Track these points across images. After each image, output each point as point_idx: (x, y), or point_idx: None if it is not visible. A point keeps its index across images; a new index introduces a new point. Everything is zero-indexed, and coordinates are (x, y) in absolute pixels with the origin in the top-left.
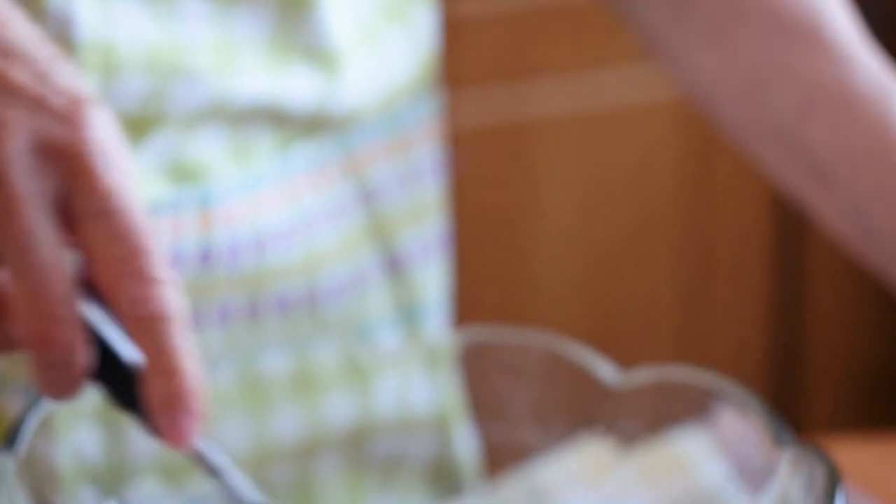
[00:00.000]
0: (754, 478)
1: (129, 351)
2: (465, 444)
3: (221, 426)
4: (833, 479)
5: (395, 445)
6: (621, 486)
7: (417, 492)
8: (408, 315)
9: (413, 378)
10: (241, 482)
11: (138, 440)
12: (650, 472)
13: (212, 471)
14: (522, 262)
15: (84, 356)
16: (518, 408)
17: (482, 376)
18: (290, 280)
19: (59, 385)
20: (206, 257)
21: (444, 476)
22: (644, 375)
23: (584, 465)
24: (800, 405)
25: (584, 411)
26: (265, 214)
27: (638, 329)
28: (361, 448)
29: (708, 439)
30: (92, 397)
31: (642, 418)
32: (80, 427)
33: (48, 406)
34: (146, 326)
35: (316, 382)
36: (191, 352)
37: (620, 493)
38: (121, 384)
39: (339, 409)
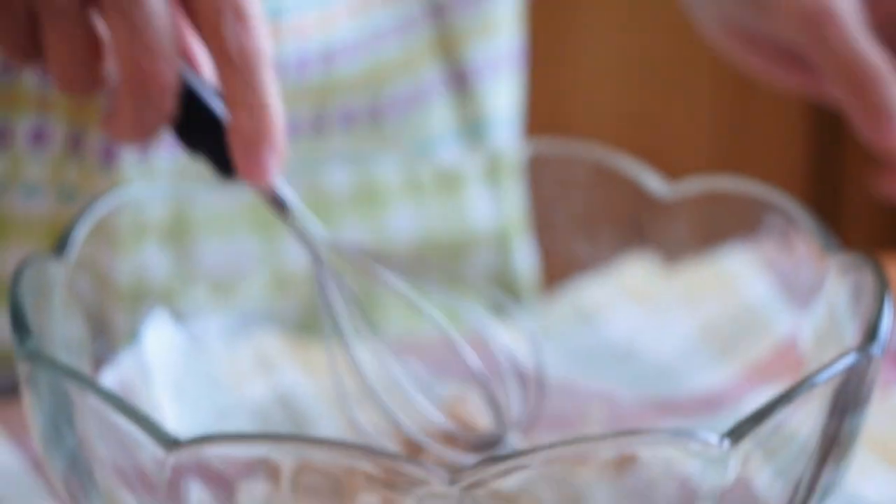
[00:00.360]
0: (799, 294)
1: (213, 100)
2: (525, 257)
3: (286, 240)
4: (881, 286)
5: (457, 259)
6: (667, 303)
7: (477, 305)
8: (472, 131)
9: (475, 191)
10: (312, 222)
11: (202, 256)
12: (696, 289)
13: (285, 211)
14: (566, 79)
15: (173, 97)
16: (566, 219)
17: (533, 188)
18: (356, 94)
19: (142, 127)
20: (274, 70)
21: (503, 290)
22: (692, 186)
23: (630, 283)
24: (838, 229)
25: (631, 223)
26: (335, 27)
27: (678, 148)
28: (424, 262)
29: (753, 256)
30: (158, 213)
31: (689, 231)
32: (143, 242)
33: (101, 212)
34: (240, 62)
35: (378, 197)
36: (278, 92)
37: (666, 310)
38: (199, 132)
39: (401, 222)
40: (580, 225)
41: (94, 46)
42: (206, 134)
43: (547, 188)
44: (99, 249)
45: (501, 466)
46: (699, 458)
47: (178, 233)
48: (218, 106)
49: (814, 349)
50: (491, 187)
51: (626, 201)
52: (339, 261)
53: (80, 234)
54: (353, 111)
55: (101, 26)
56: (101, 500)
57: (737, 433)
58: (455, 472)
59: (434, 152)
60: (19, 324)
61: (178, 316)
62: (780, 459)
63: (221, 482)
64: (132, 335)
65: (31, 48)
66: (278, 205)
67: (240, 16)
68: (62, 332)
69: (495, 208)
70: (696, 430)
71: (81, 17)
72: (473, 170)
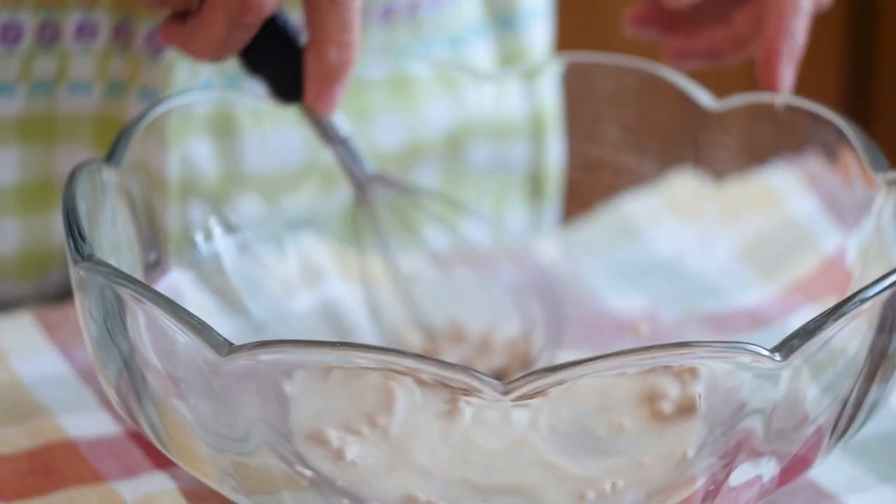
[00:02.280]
0: (846, 211)
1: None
2: (556, 154)
3: None
4: None
5: (491, 151)
6: (712, 219)
7: (512, 200)
8: (504, 24)
9: (509, 86)
10: (362, 153)
11: (249, 155)
12: (742, 205)
13: (338, 140)
14: None
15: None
16: (614, 130)
17: (580, 98)
18: None
19: (226, 46)
20: None
21: (535, 186)
22: (741, 100)
23: (676, 199)
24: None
25: (679, 138)
26: None
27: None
28: (459, 154)
29: (800, 172)
30: (206, 107)
31: (737, 146)
32: (193, 139)
33: (156, 115)
34: (337, 1)
35: (413, 89)
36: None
37: (711, 227)
38: (267, 55)
39: (436, 114)
40: (628, 138)
41: None
42: (273, 58)
43: (595, 100)
44: (150, 149)
45: (552, 378)
46: (749, 371)
47: (225, 127)
48: (292, 35)
49: (859, 267)
50: (525, 83)
51: (675, 115)
52: (383, 193)
53: (132, 140)
54: (394, 5)
55: None
56: (153, 407)
57: (787, 348)
58: (508, 383)
59: (466, 47)
60: (72, 229)
61: (226, 223)
62: (827, 376)
63: (273, 389)
64: (183, 238)
65: None
66: (331, 134)
67: None
68: (115, 237)
69: (529, 100)
70: (747, 344)
71: None
72: (513, 74)
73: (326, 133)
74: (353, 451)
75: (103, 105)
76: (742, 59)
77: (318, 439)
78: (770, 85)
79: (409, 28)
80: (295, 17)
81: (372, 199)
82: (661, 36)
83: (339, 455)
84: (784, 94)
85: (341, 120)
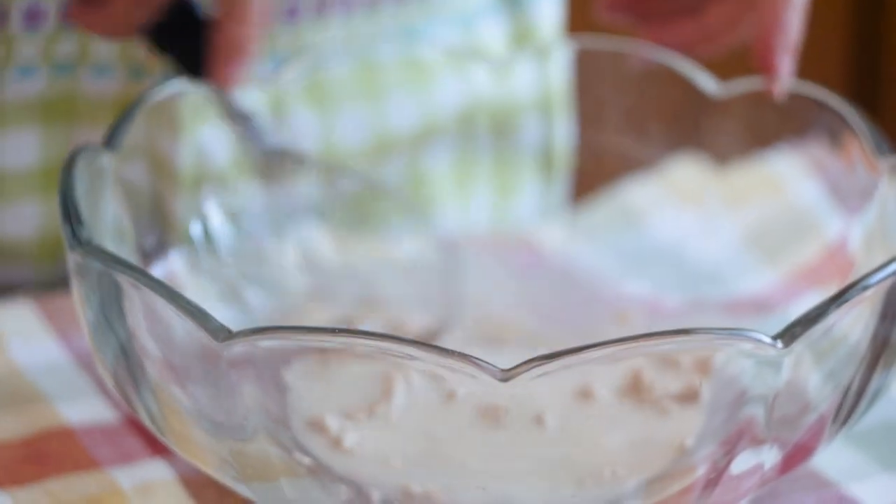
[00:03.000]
0: (849, 197)
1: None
2: (565, 134)
3: (340, 117)
4: None
5: (503, 131)
6: (715, 204)
7: (524, 180)
8: (515, 1)
9: (520, 67)
10: (267, 126)
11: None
12: (744, 191)
13: (242, 116)
14: None
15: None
16: (616, 115)
17: (583, 82)
18: None
19: (127, 24)
20: None
21: (546, 165)
22: (744, 84)
23: (679, 184)
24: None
25: (682, 122)
26: None
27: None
28: (471, 134)
29: (803, 158)
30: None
31: (740, 131)
32: (209, 124)
33: (154, 101)
34: None
35: (425, 70)
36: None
37: (714, 212)
38: (173, 34)
39: (448, 94)
40: (630, 122)
41: None
42: (180, 37)
43: (598, 84)
44: (160, 134)
45: (552, 365)
46: (751, 359)
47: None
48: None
49: (863, 253)
50: (535, 62)
51: (678, 99)
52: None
53: (133, 123)
54: None
55: None
56: (150, 394)
57: (789, 334)
58: (507, 370)
59: (477, 26)
60: (69, 214)
61: (229, 210)
62: (830, 363)
63: (272, 375)
64: (186, 222)
65: None
66: (233, 111)
67: None
68: (113, 222)
69: (539, 79)
70: (748, 330)
71: None
72: (523, 57)
73: (229, 111)
74: (351, 439)
75: (125, 88)
76: (714, 53)
77: (317, 426)
78: (771, 78)
79: (420, 8)
80: None
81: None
82: (633, 23)
83: (337, 443)
84: (783, 84)
85: (244, 97)
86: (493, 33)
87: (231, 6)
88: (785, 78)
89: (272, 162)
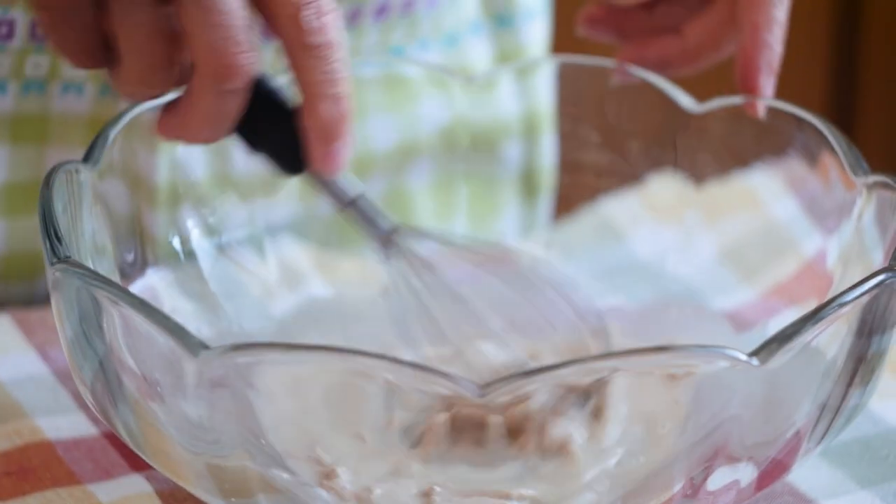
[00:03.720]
0: (827, 214)
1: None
2: (549, 153)
3: None
4: None
5: (485, 150)
6: (693, 221)
7: (506, 200)
8: (501, 21)
9: (503, 85)
10: (378, 210)
11: (238, 156)
12: (722, 208)
13: (351, 200)
14: None
15: (248, 90)
16: (595, 132)
17: (561, 99)
18: None
19: (216, 124)
20: None
21: (529, 185)
22: (722, 102)
23: (657, 201)
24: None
25: (661, 140)
26: None
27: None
28: (452, 154)
29: (781, 175)
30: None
31: (718, 149)
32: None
33: (135, 115)
34: (322, 53)
35: (407, 88)
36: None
37: (692, 229)
38: (263, 128)
39: (430, 113)
40: (609, 140)
41: (171, 36)
42: (270, 130)
43: (577, 102)
44: (138, 150)
45: (530, 381)
46: (727, 376)
47: None
48: (285, 101)
49: (840, 270)
50: (519, 82)
51: (655, 117)
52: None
53: (112, 139)
54: (388, 3)
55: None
56: (128, 409)
57: (765, 351)
58: (485, 386)
59: (463, 46)
60: (49, 230)
61: (208, 226)
62: (806, 380)
63: (249, 391)
64: (165, 238)
65: (100, 51)
66: (343, 196)
67: (317, 7)
68: (92, 238)
69: (523, 99)
70: (724, 348)
71: (157, 8)
72: (506, 74)
73: (337, 196)
74: (333, 457)
75: (96, 106)
76: (694, 72)
77: (297, 445)
78: (751, 102)
79: (404, 27)
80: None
81: (398, 255)
82: (613, 40)
83: (318, 461)
84: (764, 103)
85: (351, 178)
86: (479, 55)
87: (317, 87)
88: (766, 97)
89: (386, 241)
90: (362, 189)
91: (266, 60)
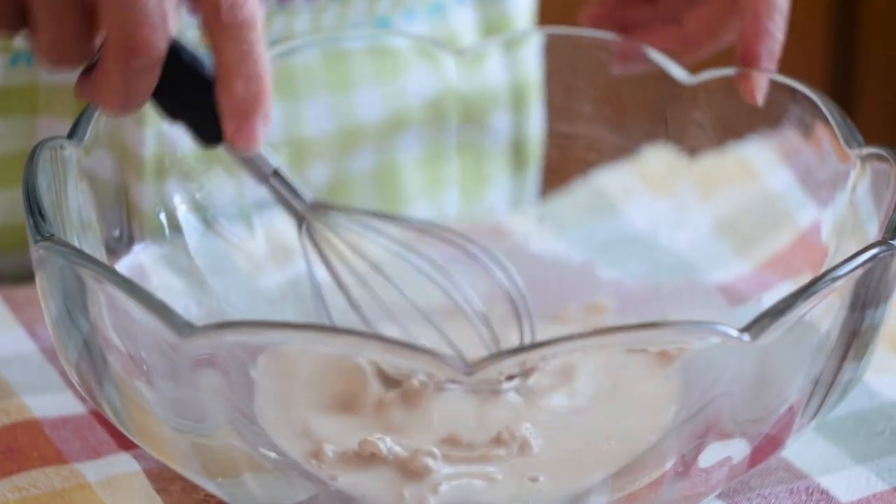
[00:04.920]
0: (821, 186)
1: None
2: (538, 124)
3: (308, 107)
4: None
5: (474, 121)
6: (687, 193)
7: (495, 171)
8: None
9: (491, 57)
10: (295, 187)
11: None
12: (716, 180)
13: (269, 174)
14: None
15: (161, 66)
16: (587, 104)
17: (553, 71)
18: None
19: (128, 96)
20: None
21: (518, 156)
22: (716, 74)
23: (651, 173)
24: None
25: (655, 112)
26: None
27: None
28: (441, 125)
29: (775, 147)
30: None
31: (712, 121)
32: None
33: None
34: (235, 32)
35: (394, 60)
36: (268, 59)
37: (686, 201)
38: (181, 99)
39: (418, 84)
40: (601, 112)
41: (83, 11)
42: (189, 101)
43: (569, 74)
44: (123, 123)
45: (517, 359)
46: (719, 351)
47: None
48: (205, 73)
49: (835, 242)
50: (507, 54)
51: (650, 89)
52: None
53: (97, 115)
54: None
55: None
56: (114, 387)
57: (757, 326)
58: (472, 364)
59: (449, 15)
60: (32, 207)
61: (196, 202)
62: (799, 354)
63: (237, 371)
64: (152, 213)
65: (18, 18)
66: (259, 170)
67: None
68: (78, 215)
69: (511, 70)
70: (716, 324)
71: None
72: (493, 46)
73: (254, 170)
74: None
75: None
76: (695, 61)
77: (284, 422)
78: (749, 88)
79: None
80: None
81: (315, 229)
82: (616, 34)
83: (305, 439)
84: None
85: (268, 153)
86: (465, 24)
87: (231, 65)
88: (764, 84)
89: (301, 218)
90: (278, 164)
91: (191, 38)
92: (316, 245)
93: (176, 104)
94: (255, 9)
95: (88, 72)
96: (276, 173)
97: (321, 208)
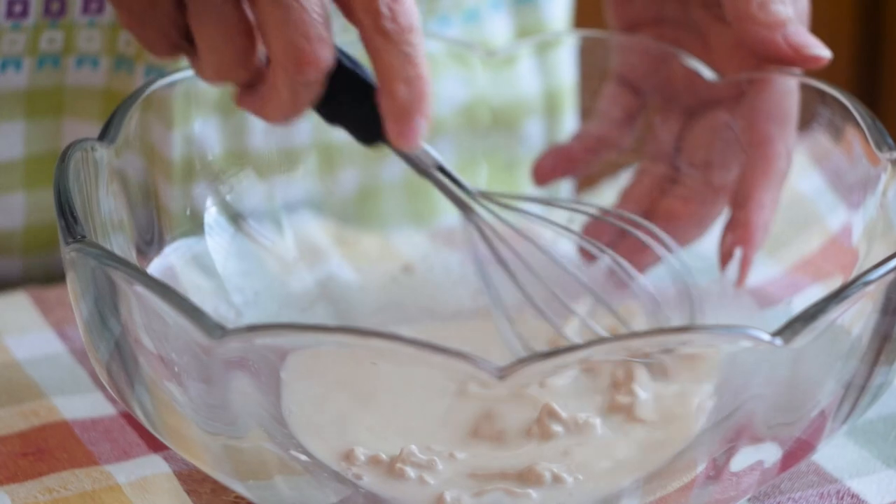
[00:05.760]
0: (851, 189)
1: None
2: (570, 130)
3: None
4: None
5: (506, 128)
6: None
7: (526, 179)
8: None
9: (524, 63)
10: (456, 177)
11: (255, 132)
12: None
13: (432, 167)
14: None
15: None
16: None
17: (583, 75)
18: None
19: (295, 107)
20: None
21: None
22: (743, 76)
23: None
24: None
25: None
26: None
27: None
28: (474, 132)
29: (805, 149)
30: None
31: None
32: (201, 116)
33: (152, 90)
34: (396, 35)
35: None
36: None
37: None
38: (341, 103)
39: (450, 90)
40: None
41: (248, 32)
42: (349, 105)
43: (598, 76)
44: (152, 125)
45: (549, 363)
46: (751, 356)
47: (230, 104)
48: (364, 76)
49: (865, 246)
50: (540, 58)
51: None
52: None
53: (127, 117)
54: None
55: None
56: (144, 389)
57: (789, 331)
58: (504, 368)
59: (483, 22)
60: (64, 209)
61: (226, 203)
62: (830, 358)
63: (267, 373)
64: (182, 215)
65: (180, 39)
66: (423, 165)
67: None
68: (109, 217)
69: (545, 75)
70: (748, 328)
71: (233, 3)
72: (526, 49)
73: (417, 165)
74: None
75: (111, 79)
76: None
77: (314, 424)
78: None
79: (426, 4)
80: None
81: (479, 225)
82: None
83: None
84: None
85: (429, 148)
86: (499, 30)
87: (392, 69)
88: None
89: (467, 206)
90: (439, 158)
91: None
92: (481, 233)
93: (336, 108)
94: (414, 13)
95: (248, 87)
96: (438, 167)
97: (484, 197)
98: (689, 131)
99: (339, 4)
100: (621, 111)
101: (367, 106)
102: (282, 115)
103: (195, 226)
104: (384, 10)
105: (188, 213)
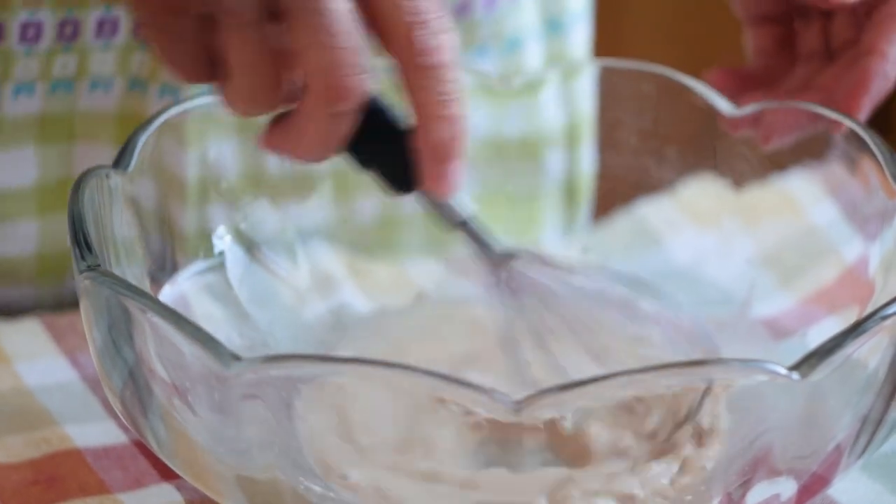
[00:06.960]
0: (867, 220)
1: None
2: (589, 161)
3: None
4: None
5: (528, 160)
6: (731, 226)
7: (546, 210)
8: (554, 25)
9: (547, 93)
10: (488, 233)
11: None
12: (761, 212)
13: (461, 222)
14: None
15: (359, 110)
16: (633, 136)
17: (602, 103)
18: None
19: (327, 143)
20: None
21: (569, 195)
22: (759, 106)
23: (695, 205)
24: None
25: (699, 143)
26: None
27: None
28: (495, 164)
29: (820, 180)
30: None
31: (756, 153)
32: (217, 138)
33: (167, 118)
34: (432, 74)
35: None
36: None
37: (730, 233)
38: (373, 146)
39: (476, 123)
40: (647, 143)
41: (280, 60)
42: (381, 149)
43: (616, 105)
44: (167, 149)
45: (564, 396)
46: (767, 389)
47: (251, 126)
48: (395, 120)
49: (882, 278)
50: (563, 88)
51: (694, 122)
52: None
53: (141, 144)
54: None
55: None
56: (158, 418)
57: (806, 365)
58: (519, 402)
59: (522, 50)
60: (78, 237)
61: (239, 231)
62: (847, 392)
63: (282, 403)
64: (196, 241)
65: (208, 67)
66: (453, 217)
67: (432, 27)
68: (123, 244)
69: (567, 106)
70: (764, 362)
71: (266, 28)
72: (552, 76)
73: (448, 216)
74: (359, 474)
75: (125, 101)
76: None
77: (327, 456)
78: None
79: (461, 31)
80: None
81: (507, 281)
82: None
83: (345, 475)
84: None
85: (461, 201)
86: (534, 59)
87: (431, 107)
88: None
89: (497, 264)
90: (472, 212)
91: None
92: (513, 291)
93: (367, 152)
94: (455, 49)
95: (278, 122)
96: (468, 219)
97: (511, 256)
98: (831, 23)
99: (377, 36)
100: (772, 42)
101: (399, 152)
102: (314, 148)
103: (208, 252)
104: (424, 44)
105: (201, 240)
